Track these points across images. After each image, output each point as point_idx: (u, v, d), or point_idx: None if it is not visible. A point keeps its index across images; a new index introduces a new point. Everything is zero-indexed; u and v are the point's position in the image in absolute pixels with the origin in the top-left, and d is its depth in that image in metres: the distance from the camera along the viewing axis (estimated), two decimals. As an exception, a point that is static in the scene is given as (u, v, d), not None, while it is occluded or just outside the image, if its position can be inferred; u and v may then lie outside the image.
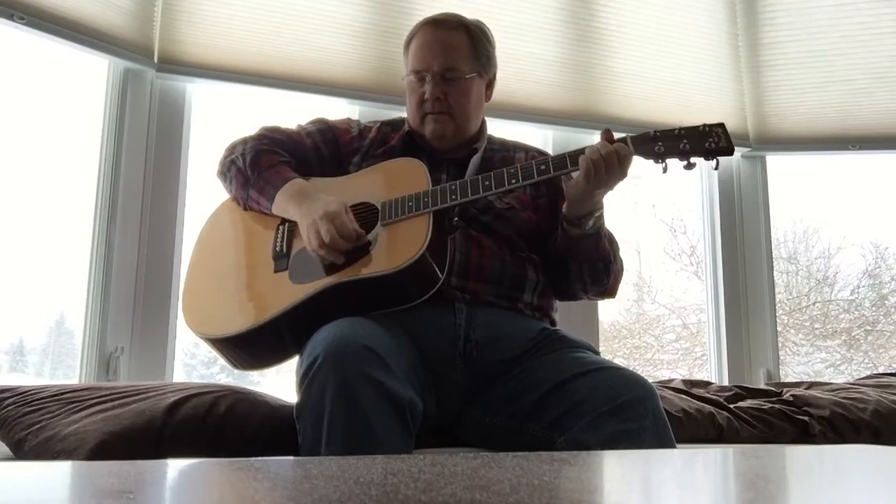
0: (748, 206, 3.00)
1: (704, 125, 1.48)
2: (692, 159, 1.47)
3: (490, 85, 1.77)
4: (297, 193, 1.58)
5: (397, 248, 1.47)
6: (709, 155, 1.47)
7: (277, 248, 1.59)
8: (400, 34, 2.53)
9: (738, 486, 0.80)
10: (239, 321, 1.52)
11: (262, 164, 1.64)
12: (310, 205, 1.53)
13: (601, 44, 2.84)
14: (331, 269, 1.49)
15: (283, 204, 1.59)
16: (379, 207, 1.54)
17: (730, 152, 1.46)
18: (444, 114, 1.66)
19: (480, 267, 1.55)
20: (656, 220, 3.28)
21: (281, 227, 1.62)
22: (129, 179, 2.31)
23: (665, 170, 1.48)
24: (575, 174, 1.51)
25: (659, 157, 1.47)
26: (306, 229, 1.51)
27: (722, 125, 1.48)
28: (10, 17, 2.06)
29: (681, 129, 1.49)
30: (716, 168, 1.49)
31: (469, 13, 1.78)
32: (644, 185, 3.07)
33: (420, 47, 1.69)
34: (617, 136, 1.52)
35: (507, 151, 1.75)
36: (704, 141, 1.46)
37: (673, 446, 1.35)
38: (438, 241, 1.48)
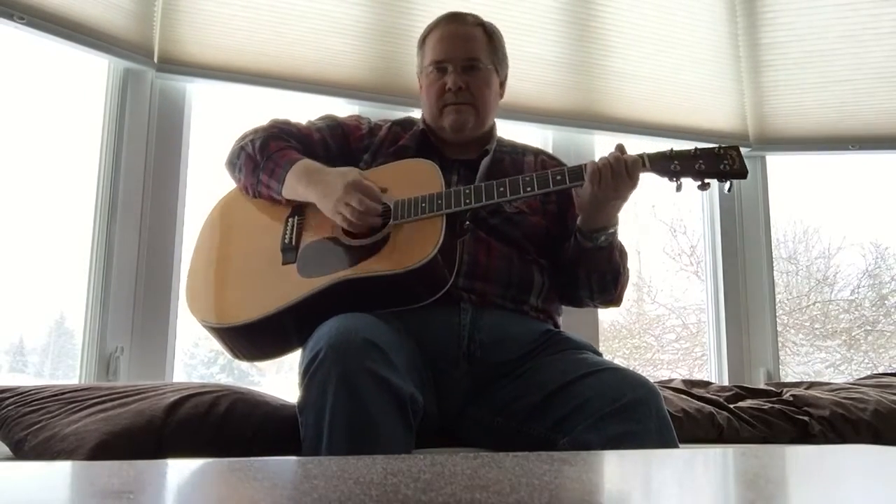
0: (748, 206, 3.00)
1: (719, 147, 1.51)
2: (706, 180, 1.49)
3: (502, 84, 1.79)
4: (305, 172, 1.58)
5: (409, 248, 1.47)
6: (723, 177, 1.49)
7: (286, 241, 1.58)
8: (400, 34, 2.54)
9: (738, 486, 0.80)
10: (245, 312, 1.52)
11: (270, 149, 1.65)
12: (325, 183, 1.54)
13: (601, 44, 2.84)
14: (340, 264, 1.49)
15: (293, 184, 1.59)
16: (391, 206, 1.54)
17: (743, 175, 1.49)
18: (466, 104, 1.67)
19: (488, 269, 1.55)
20: (656, 220, 3.28)
21: (290, 220, 1.61)
22: (129, 179, 2.31)
23: (679, 188, 1.50)
24: None
25: (674, 175, 1.49)
26: (334, 205, 1.50)
27: (737, 148, 1.51)
28: (10, 17, 2.06)
29: (697, 149, 1.51)
30: (729, 190, 1.53)
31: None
32: (644, 185, 3.06)
33: (440, 39, 1.70)
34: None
35: (517, 154, 1.76)
36: (719, 163, 1.49)
37: (676, 447, 1.35)
38: (449, 243, 1.48)
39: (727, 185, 1.50)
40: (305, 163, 1.61)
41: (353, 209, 1.48)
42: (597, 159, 1.50)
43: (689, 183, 1.50)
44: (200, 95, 2.48)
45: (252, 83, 2.45)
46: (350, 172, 1.55)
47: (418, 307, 1.47)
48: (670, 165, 1.49)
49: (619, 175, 1.47)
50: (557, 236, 1.65)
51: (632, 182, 1.48)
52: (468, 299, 1.52)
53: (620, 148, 1.52)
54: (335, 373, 1.26)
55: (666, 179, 1.50)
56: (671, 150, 1.51)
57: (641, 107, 2.86)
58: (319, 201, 1.54)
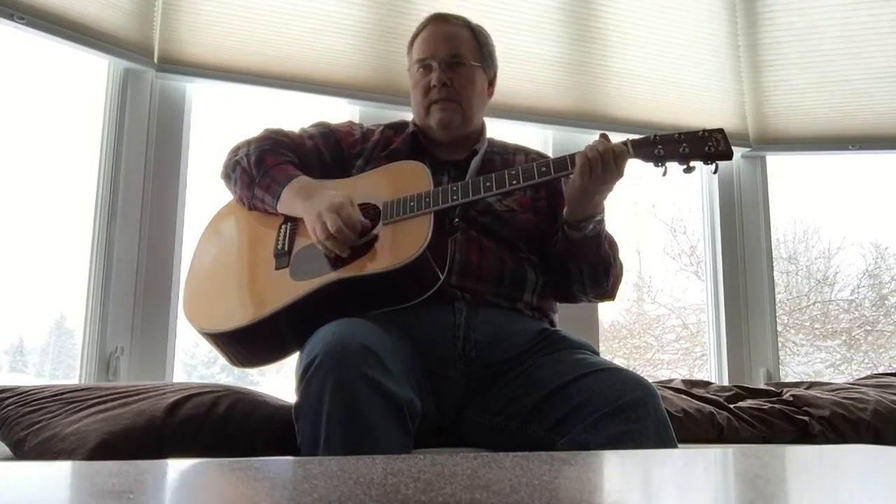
0: (748, 206, 3.00)
1: (704, 130, 1.50)
2: (691, 163, 1.49)
3: (491, 83, 1.79)
4: (302, 189, 1.59)
5: (398, 246, 1.47)
6: (708, 159, 1.48)
7: (279, 246, 1.59)
8: (400, 34, 2.54)
9: (738, 486, 0.80)
10: (237, 317, 1.52)
11: (267, 163, 1.65)
12: (316, 199, 1.54)
13: (601, 44, 2.85)
14: (331, 265, 1.49)
15: (290, 200, 1.59)
16: (381, 207, 1.54)
17: (728, 157, 1.48)
18: (451, 101, 1.68)
19: (480, 267, 1.55)
20: (656, 220, 3.28)
21: (283, 226, 1.62)
22: (129, 179, 2.31)
23: (665, 173, 1.50)
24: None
25: (659, 160, 1.49)
26: (312, 221, 1.51)
27: (721, 130, 1.50)
28: (10, 17, 2.06)
29: (680, 133, 1.50)
30: (714, 172, 1.51)
31: (469, 13, 1.79)
32: (644, 185, 3.07)
33: (425, 39, 1.72)
34: (617, 137, 1.54)
35: (508, 154, 1.76)
36: (704, 145, 1.48)
37: (675, 447, 1.35)
38: (439, 241, 1.48)
39: (713, 167, 1.49)
40: (303, 180, 1.61)
41: (325, 230, 1.47)
42: (584, 149, 1.50)
43: (674, 167, 1.49)
44: (200, 95, 2.48)
45: (252, 83, 2.45)
46: (340, 195, 1.54)
47: (413, 308, 1.47)
48: (654, 150, 1.49)
49: (607, 165, 1.48)
50: (548, 233, 1.65)
51: (619, 172, 1.49)
52: (462, 298, 1.53)
53: (605, 137, 1.53)
54: (331, 379, 1.25)
55: (651, 165, 1.50)
56: (655, 135, 1.51)
57: (641, 107, 2.86)
58: (306, 216, 1.55)
